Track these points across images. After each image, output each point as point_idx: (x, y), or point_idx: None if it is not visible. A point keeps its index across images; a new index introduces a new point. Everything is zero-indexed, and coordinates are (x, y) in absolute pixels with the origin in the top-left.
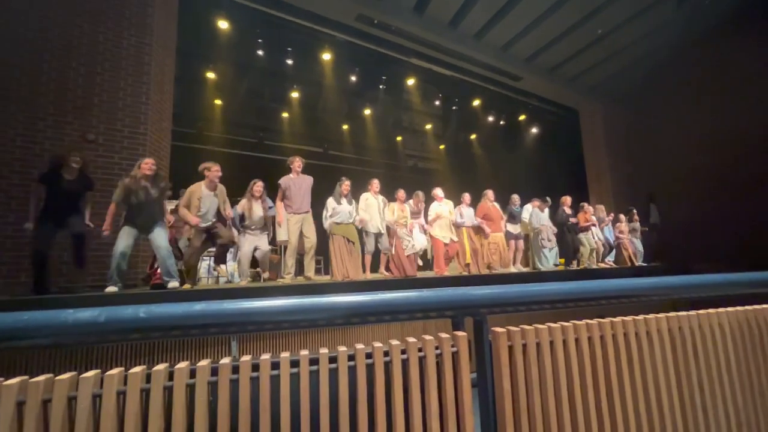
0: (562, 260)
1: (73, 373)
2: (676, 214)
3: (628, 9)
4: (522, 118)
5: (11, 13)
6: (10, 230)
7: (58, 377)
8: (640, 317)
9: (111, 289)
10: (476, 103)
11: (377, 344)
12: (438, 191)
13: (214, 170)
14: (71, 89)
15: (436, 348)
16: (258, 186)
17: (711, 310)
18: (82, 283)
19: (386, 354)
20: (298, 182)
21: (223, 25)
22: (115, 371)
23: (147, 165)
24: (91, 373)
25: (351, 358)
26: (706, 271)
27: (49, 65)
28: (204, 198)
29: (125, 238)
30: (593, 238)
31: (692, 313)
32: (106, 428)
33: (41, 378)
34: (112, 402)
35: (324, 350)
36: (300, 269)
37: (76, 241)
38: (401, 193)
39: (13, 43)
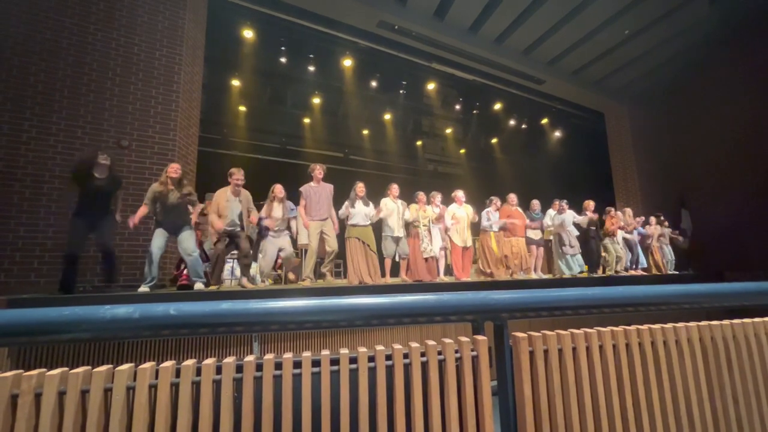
0: (587, 267)
1: (109, 366)
2: (708, 220)
3: (656, 9)
4: (545, 121)
5: (53, 29)
6: (50, 232)
7: (95, 369)
8: (669, 325)
9: (143, 288)
10: (498, 107)
11: (397, 346)
12: (459, 193)
13: (235, 177)
14: (108, 98)
15: (456, 351)
16: (278, 189)
17: (746, 320)
18: (115, 283)
19: (406, 356)
20: (318, 190)
21: (248, 34)
22: (147, 365)
23: (173, 169)
24: (125, 367)
25: (371, 359)
26: (741, 280)
27: (89, 77)
28: (229, 202)
29: (157, 239)
30: (619, 244)
31: (725, 322)
32: (139, 419)
33: (80, 370)
34: (145, 394)
35: (344, 351)
36: (319, 272)
37: (106, 255)
38: (421, 196)
39: (55, 56)
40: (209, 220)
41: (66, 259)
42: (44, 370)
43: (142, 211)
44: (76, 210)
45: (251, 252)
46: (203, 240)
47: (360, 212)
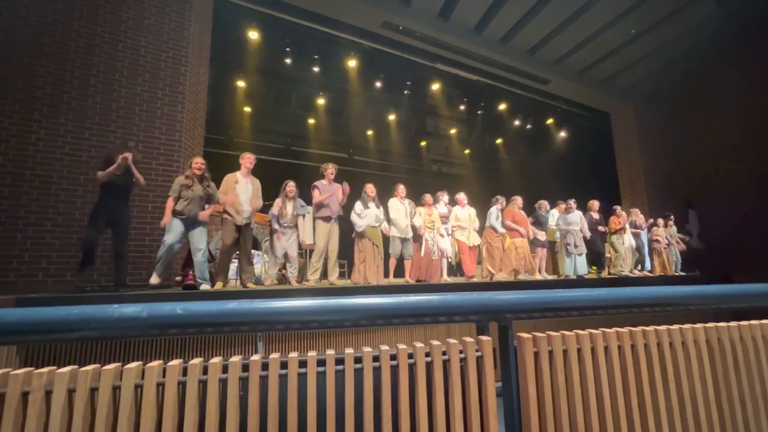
0: (595, 267)
1: (118, 364)
2: (716, 220)
3: (663, 8)
4: (550, 121)
5: (62, 32)
6: (58, 232)
7: (104, 367)
8: (675, 327)
9: (155, 279)
10: (502, 107)
11: (402, 346)
12: (461, 195)
13: (246, 158)
14: (115, 99)
15: (461, 352)
16: (290, 186)
17: (753, 322)
18: (124, 287)
19: (410, 356)
20: (329, 189)
21: (253, 35)
22: (155, 364)
23: (197, 164)
24: (133, 365)
25: (376, 359)
26: (748, 281)
27: (96, 79)
28: (240, 183)
29: (174, 232)
30: (625, 244)
31: (733, 324)
32: (147, 416)
33: (89, 368)
34: (153, 392)
35: (350, 350)
36: (323, 273)
37: (118, 255)
38: (428, 198)
39: (63, 57)
40: (220, 200)
41: (84, 246)
42: (54, 367)
43: (170, 204)
44: (97, 202)
45: (253, 260)
46: (209, 240)
47: (370, 213)
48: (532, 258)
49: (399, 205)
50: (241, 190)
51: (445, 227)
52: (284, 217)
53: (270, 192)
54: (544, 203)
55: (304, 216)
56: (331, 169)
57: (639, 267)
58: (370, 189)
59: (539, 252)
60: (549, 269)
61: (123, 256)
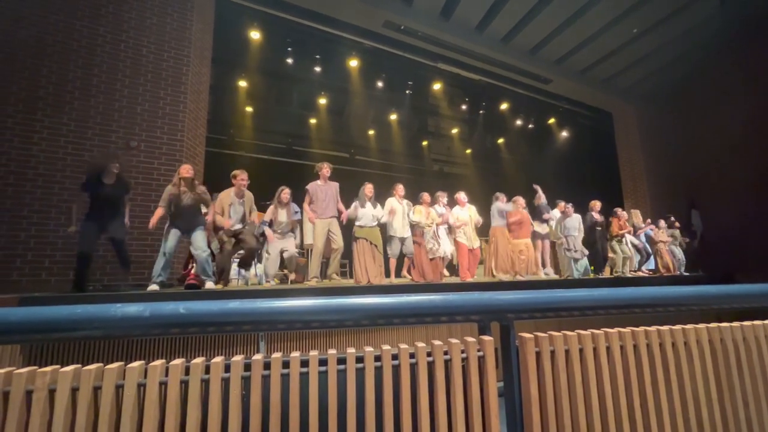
0: (592, 267)
1: (120, 363)
2: (719, 220)
3: (665, 7)
4: (552, 121)
5: (64, 32)
6: (61, 231)
7: (107, 366)
8: (678, 327)
9: (153, 287)
10: (504, 106)
11: (403, 346)
12: (461, 195)
13: (240, 178)
14: (117, 100)
15: (462, 352)
16: (285, 193)
17: (756, 322)
18: (125, 282)
19: (412, 356)
20: (324, 188)
21: (254, 35)
22: (157, 363)
23: (185, 170)
24: (136, 364)
25: (378, 358)
26: (752, 281)
27: (98, 78)
28: (233, 204)
29: (170, 240)
30: (627, 245)
31: (735, 324)
32: (150, 415)
33: (92, 367)
34: (155, 391)
35: (351, 350)
36: (326, 272)
37: (118, 246)
38: (426, 196)
39: (66, 57)
40: (216, 220)
41: (78, 259)
42: (58, 366)
43: (159, 212)
44: (86, 215)
45: (257, 248)
46: (210, 240)
47: (368, 213)
48: (536, 259)
49: (397, 205)
50: (233, 210)
51: (444, 228)
52: (278, 225)
53: (271, 192)
54: (540, 195)
55: (299, 221)
56: (326, 169)
57: (642, 268)
58: (368, 189)
59: (539, 244)
60: (553, 266)
61: (122, 246)
